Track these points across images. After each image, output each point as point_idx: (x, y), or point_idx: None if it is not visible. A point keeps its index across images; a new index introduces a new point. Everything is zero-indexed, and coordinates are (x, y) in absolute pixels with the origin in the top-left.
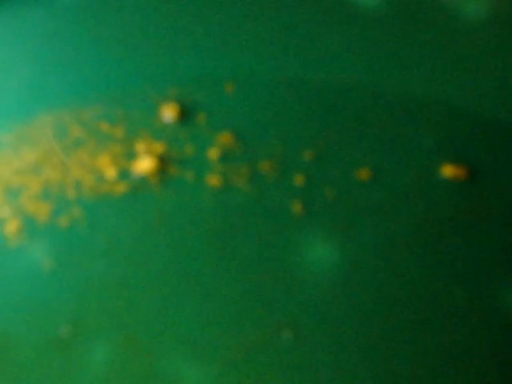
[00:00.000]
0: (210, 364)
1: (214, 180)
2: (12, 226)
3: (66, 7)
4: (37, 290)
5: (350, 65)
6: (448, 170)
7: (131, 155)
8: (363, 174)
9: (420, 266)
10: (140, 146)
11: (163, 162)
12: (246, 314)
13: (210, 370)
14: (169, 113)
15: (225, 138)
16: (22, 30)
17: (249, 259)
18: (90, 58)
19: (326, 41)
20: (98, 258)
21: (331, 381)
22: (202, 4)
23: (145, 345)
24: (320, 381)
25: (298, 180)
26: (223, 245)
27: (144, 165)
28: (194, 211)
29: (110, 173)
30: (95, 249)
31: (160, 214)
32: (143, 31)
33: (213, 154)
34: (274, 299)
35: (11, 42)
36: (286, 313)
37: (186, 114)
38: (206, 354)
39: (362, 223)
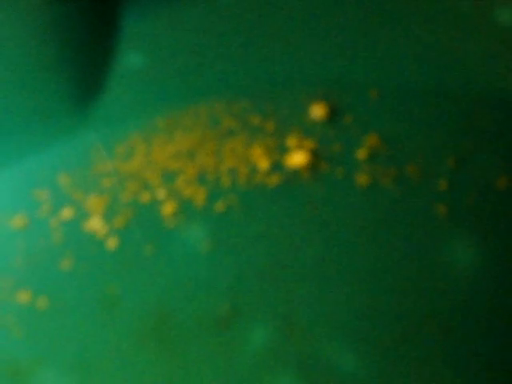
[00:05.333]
0: (365, 353)
1: (361, 179)
2: (168, 208)
3: (226, 4)
4: (194, 269)
5: (489, 74)
6: None
7: (283, 149)
8: (501, 182)
9: None
10: (292, 141)
11: (314, 157)
12: (396, 307)
13: (366, 358)
14: (318, 111)
15: (372, 139)
16: (186, 24)
17: (394, 255)
18: (243, 53)
19: (468, 53)
20: (254, 241)
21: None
22: (355, 10)
23: (301, 329)
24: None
25: (442, 185)
26: (370, 239)
27: (297, 159)
28: (343, 206)
29: (263, 164)
30: (251, 233)
31: (311, 206)
32: (295, 32)
33: (361, 154)
34: (417, 294)
35: (176, 34)
36: (429, 307)
37: (333, 114)
38: (361, 342)
39: (502, 228)
